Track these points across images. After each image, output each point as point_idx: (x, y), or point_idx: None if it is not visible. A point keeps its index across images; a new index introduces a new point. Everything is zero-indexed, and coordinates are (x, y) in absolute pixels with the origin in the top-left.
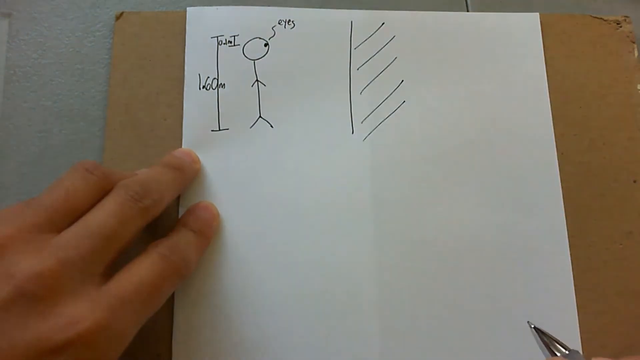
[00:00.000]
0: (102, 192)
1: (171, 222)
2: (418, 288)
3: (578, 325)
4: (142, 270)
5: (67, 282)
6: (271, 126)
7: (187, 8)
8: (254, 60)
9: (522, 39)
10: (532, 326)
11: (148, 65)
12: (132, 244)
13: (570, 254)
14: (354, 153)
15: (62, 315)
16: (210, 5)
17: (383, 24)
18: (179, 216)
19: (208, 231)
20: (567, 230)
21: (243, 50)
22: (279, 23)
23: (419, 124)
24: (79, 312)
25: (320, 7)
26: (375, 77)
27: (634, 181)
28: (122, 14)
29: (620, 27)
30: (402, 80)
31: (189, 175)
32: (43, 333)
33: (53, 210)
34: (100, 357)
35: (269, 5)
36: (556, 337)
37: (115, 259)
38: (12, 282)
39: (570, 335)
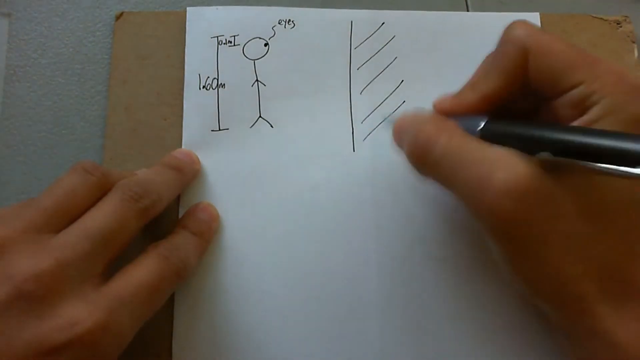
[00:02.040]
0: (101, 193)
1: (171, 222)
2: (418, 287)
3: None
4: (141, 271)
5: (65, 282)
6: (271, 126)
7: (187, 8)
8: (254, 60)
9: None
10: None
11: (148, 65)
12: (131, 244)
13: None
14: (354, 153)
15: (61, 316)
16: (210, 5)
17: (383, 24)
18: (179, 216)
19: (208, 233)
20: None
21: (243, 50)
22: (279, 23)
23: None
24: (77, 313)
25: (320, 7)
26: (375, 77)
27: None
28: (122, 14)
29: (620, 27)
30: (402, 80)
31: (189, 175)
32: (42, 334)
33: (52, 210)
34: (99, 357)
35: (269, 5)
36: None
37: (114, 259)
38: (10, 282)
39: None
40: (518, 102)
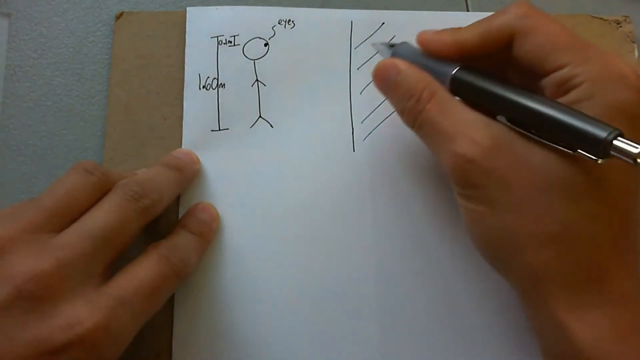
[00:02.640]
0: (102, 192)
1: (171, 222)
2: (418, 287)
3: None
4: (141, 271)
5: (66, 282)
6: (271, 126)
7: (187, 8)
8: (254, 60)
9: None
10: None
11: (148, 65)
12: (132, 244)
13: None
14: (354, 153)
15: (61, 317)
16: (210, 5)
17: (383, 23)
18: (179, 216)
19: (208, 233)
20: None
21: (243, 50)
22: (279, 23)
23: None
24: (78, 314)
25: (320, 7)
26: None
27: None
28: (122, 14)
29: (620, 27)
30: None
31: (189, 175)
32: (42, 334)
33: (53, 210)
34: (99, 357)
35: (269, 5)
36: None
37: (115, 259)
38: (11, 283)
39: None
40: (512, 76)
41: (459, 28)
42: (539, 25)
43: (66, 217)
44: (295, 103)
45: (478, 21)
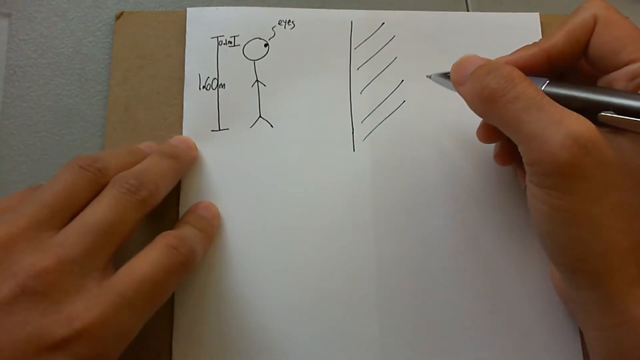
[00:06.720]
0: (100, 186)
1: (171, 222)
2: (418, 287)
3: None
4: (147, 264)
5: (68, 279)
6: (271, 126)
7: (187, 9)
8: (254, 60)
9: (522, 39)
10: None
11: (148, 65)
12: (133, 236)
13: None
14: (354, 153)
15: (61, 312)
16: (210, 6)
17: (383, 24)
18: (179, 217)
19: (210, 230)
20: None
21: (243, 51)
22: (279, 23)
23: (419, 124)
24: (78, 309)
25: (320, 7)
26: (375, 77)
27: None
28: (122, 14)
29: None
30: (402, 80)
31: (186, 162)
32: (42, 328)
33: (53, 207)
34: (100, 353)
35: (269, 6)
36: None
37: (116, 253)
38: (14, 280)
39: (570, 333)
40: (571, 78)
41: (534, 42)
42: (617, 17)
43: (66, 213)
44: (295, 103)
45: (555, 28)
